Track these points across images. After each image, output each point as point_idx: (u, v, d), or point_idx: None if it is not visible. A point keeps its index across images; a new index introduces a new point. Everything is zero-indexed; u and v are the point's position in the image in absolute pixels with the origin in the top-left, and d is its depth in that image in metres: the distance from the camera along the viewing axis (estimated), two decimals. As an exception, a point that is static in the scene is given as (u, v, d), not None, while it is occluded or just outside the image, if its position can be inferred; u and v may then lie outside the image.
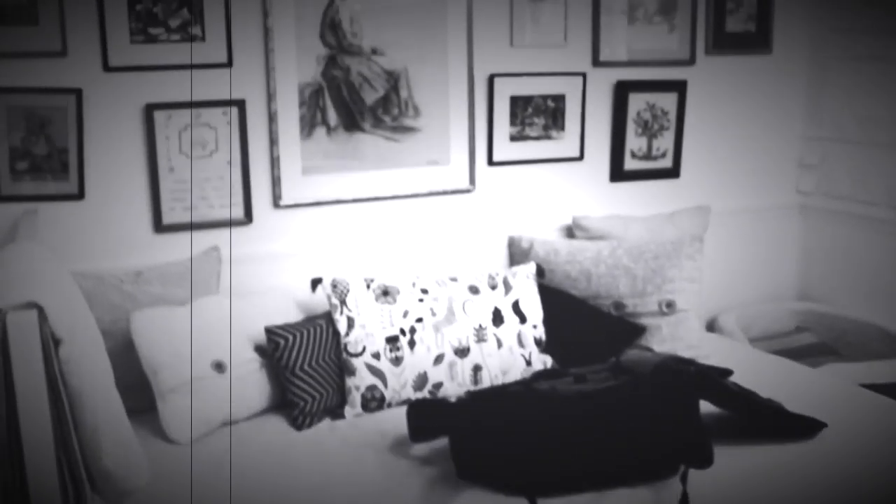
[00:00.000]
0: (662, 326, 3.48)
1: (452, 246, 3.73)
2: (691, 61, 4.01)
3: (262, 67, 3.35)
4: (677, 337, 3.48)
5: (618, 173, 3.98)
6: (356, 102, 3.51)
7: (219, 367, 2.96)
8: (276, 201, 3.46)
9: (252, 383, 3.03)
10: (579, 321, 3.47)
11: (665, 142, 4.02)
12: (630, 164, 3.99)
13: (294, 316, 3.26)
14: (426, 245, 3.69)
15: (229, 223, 3.39)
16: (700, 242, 3.57)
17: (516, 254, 3.76)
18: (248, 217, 3.42)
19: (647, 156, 4.01)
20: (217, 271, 3.34)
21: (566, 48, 3.79)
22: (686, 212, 3.93)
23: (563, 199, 3.91)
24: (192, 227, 3.33)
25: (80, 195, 3.20)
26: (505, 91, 3.71)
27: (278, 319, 3.14)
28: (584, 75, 3.82)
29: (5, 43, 3.04)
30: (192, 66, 3.25)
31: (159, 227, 3.31)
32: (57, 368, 1.91)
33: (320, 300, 3.23)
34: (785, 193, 4.36)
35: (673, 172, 4.07)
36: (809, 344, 4.09)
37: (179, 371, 2.90)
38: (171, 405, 2.88)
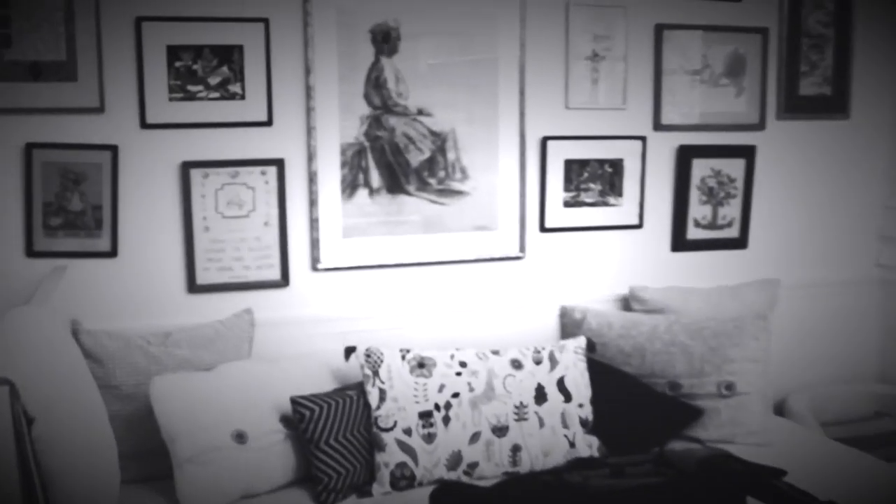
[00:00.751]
0: (721, 410, 3.22)
1: (500, 315, 3.54)
2: (761, 126, 3.79)
3: (302, 126, 3.26)
4: (737, 422, 3.22)
5: (680, 242, 3.75)
6: (400, 164, 3.38)
7: (240, 437, 2.81)
8: (314, 264, 3.33)
9: (275, 455, 2.87)
10: (631, 401, 3.24)
11: (732, 210, 3.79)
12: (693, 233, 3.76)
13: (327, 384, 3.12)
14: (472, 314, 3.52)
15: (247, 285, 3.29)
16: (764, 320, 3.31)
17: (568, 325, 3.56)
18: (285, 279, 3.30)
19: (712, 225, 3.77)
20: (250, 335, 3.22)
21: (625, 111, 3.61)
22: (753, 285, 3.67)
23: (619, 269, 3.70)
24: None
25: (112, 252, 3.13)
26: (559, 154, 3.54)
27: (309, 388, 3.00)
28: (644, 139, 3.63)
29: (44, 98, 3.02)
30: (231, 125, 3.18)
31: (193, 287, 3.22)
32: (30, 447, 1.78)
33: (357, 368, 3.07)
34: (863, 267, 4.06)
35: (740, 243, 3.83)
36: (890, 431, 3.78)
37: (197, 440, 2.77)
38: (187, 475, 2.75)
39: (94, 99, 3.05)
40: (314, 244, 3.32)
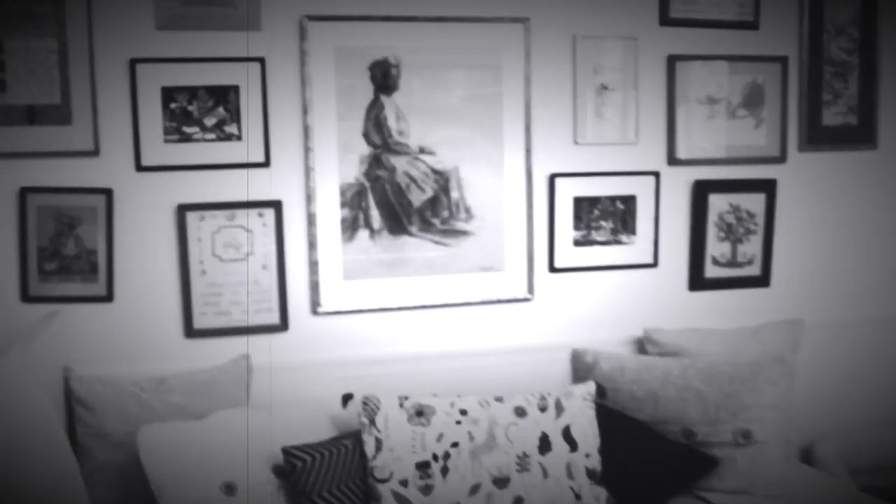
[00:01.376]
0: (738, 459, 3.06)
1: (508, 360, 3.41)
2: (782, 158, 3.64)
3: (300, 167, 3.20)
4: (755, 472, 3.05)
5: (698, 281, 3.61)
6: (402, 204, 3.29)
7: (229, 489, 2.72)
8: (314, 307, 3.26)
9: (266, 508, 2.78)
10: (642, 450, 3.09)
11: (752, 247, 3.63)
12: (711, 271, 3.61)
13: (326, 432, 3.03)
14: (479, 358, 3.40)
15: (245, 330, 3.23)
16: (782, 364, 3.15)
17: (580, 369, 3.43)
18: (284, 324, 3.23)
19: (732, 262, 3.62)
20: (247, 381, 3.14)
21: (637, 145, 3.49)
22: (774, 326, 3.51)
23: (634, 309, 3.55)
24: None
25: (108, 297, 3.09)
26: (568, 192, 3.43)
27: (306, 436, 2.90)
28: (657, 174, 3.50)
29: (39, 142, 3.00)
30: (228, 166, 3.14)
31: (190, 331, 3.16)
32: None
33: (356, 416, 2.97)
34: (893, 304, 3.85)
35: (762, 281, 3.66)
36: (926, 479, 3.58)
37: (185, 492, 2.68)
38: (175, 530, 2.67)
39: (88, 142, 3.02)
40: (314, 287, 3.25)
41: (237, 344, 3.19)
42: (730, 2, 3.53)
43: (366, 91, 3.22)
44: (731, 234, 3.61)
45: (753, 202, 3.61)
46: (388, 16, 3.21)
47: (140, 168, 3.07)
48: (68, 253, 3.05)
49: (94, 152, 3.03)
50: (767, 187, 3.62)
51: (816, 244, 3.74)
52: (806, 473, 3.32)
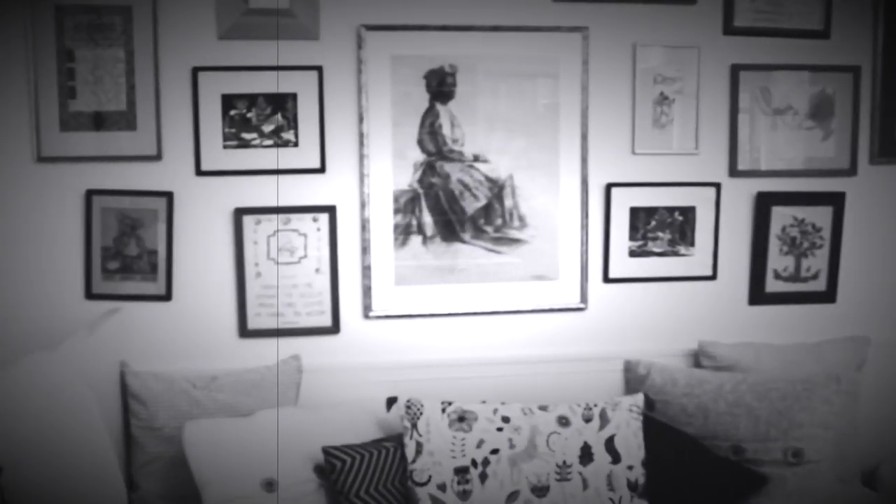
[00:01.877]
0: (788, 478, 2.98)
1: (559, 369, 3.40)
2: (851, 171, 3.52)
3: (355, 173, 3.25)
4: (806, 492, 2.96)
5: (758, 295, 3.52)
6: (455, 211, 3.32)
7: (269, 485, 2.80)
8: (366, 311, 3.31)
9: (305, 506, 2.84)
10: (689, 465, 3.03)
11: (817, 262, 3.53)
12: (773, 285, 3.52)
13: (371, 434, 3.07)
14: (529, 366, 3.39)
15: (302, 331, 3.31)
16: (838, 383, 3.05)
17: (632, 380, 3.39)
18: (336, 326, 3.29)
19: (795, 277, 3.52)
20: (297, 381, 3.21)
21: (698, 155, 3.43)
22: (836, 342, 3.40)
23: (690, 322, 3.49)
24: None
25: (166, 296, 3.20)
26: (624, 202, 3.40)
27: (350, 437, 2.96)
28: (718, 186, 3.44)
29: (105, 147, 3.14)
30: (284, 172, 3.22)
31: (244, 332, 3.25)
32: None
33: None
34: (969, 325, 3.70)
35: (827, 297, 3.55)
36: None
37: (227, 487, 2.77)
38: (215, 523, 2.75)
39: (151, 147, 3.15)
40: (366, 291, 3.30)
41: (289, 345, 3.26)
42: (798, 11, 3.45)
43: (421, 99, 3.26)
44: (795, 247, 3.51)
45: (820, 215, 3.51)
46: (444, 25, 3.24)
47: (200, 172, 3.18)
48: (130, 253, 3.18)
49: (157, 157, 3.15)
50: (835, 200, 3.51)
51: (886, 260, 3.60)
52: (862, 496, 3.20)
